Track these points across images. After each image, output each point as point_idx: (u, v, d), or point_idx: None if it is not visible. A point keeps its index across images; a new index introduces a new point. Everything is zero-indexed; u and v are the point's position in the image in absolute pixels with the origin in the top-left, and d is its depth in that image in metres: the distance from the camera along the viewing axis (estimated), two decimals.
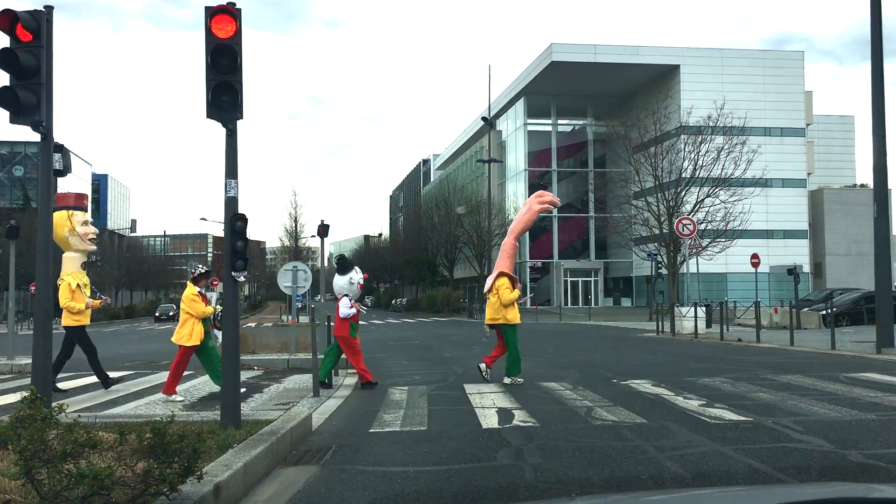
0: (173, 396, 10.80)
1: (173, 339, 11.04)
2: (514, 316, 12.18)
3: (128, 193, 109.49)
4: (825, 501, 1.94)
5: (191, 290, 10.94)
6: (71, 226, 12.20)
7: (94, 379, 14.36)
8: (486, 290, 12.65)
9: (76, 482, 3.59)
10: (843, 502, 1.97)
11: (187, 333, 10.74)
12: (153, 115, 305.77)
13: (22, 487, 3.83)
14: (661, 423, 8.09)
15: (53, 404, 4.29)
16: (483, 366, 12.35)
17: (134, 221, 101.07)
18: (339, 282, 12.30)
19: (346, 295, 12.16)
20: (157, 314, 65.42)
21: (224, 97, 6.98)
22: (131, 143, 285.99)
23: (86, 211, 12.76)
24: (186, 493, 4.46)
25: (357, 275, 12.39)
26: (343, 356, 12.84)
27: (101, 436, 4.41)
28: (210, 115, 7.01)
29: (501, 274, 12.33)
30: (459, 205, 62.33)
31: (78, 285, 11.97)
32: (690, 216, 31.63)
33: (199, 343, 10.75)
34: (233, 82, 7.01)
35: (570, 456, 6.58)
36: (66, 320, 12.15)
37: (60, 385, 12.35)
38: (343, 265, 12.53)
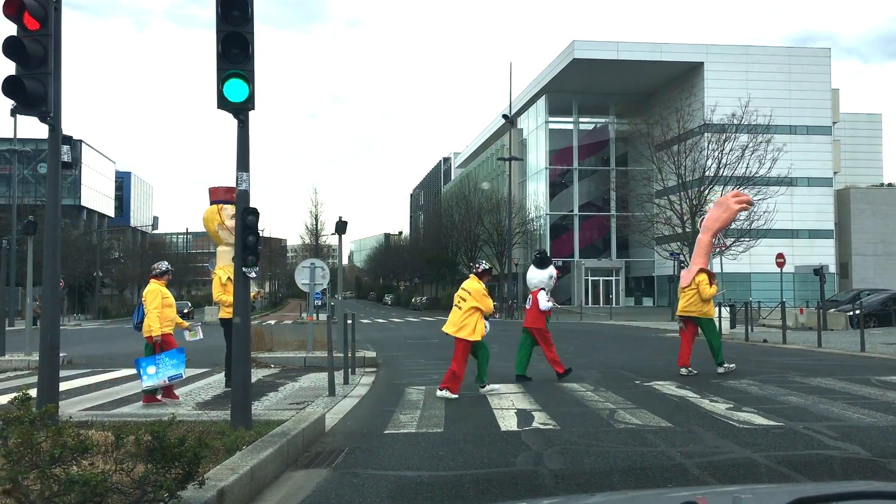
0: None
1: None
2: (709, 310, 13.08)
3: (150, 191, 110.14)
4: (848, 495, 1.81)
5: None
6: (220, 219, 11.95)
7: (107, 376, 14.27)
8: (683, 284, 13.22)
9: (66, 489, 3.37)
10: (865, 495, 1.84)
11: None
12: (175, 113, 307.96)
13: (12, 494, 3.61)
14: (686, 428, 7.78)
15: (44, 406, 4.08)
16: (684, 370, 12.74)
17: (156, 219, 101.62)
18: (538, 276, 12.57)
19: (543, 289, 12.42)
20: None
21: (235, 49, 6.74)
22: (153, 140, 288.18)
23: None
24: (187, 500, 4.23)
25: (554, 270, 12.80)
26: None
27: (97, 438, 4.19)
28: (221, 105, 6.79)
29: (701, 270, 12.94)
30: (484, 182, 61.76)
31: (229, 278, 11.40)
32: None
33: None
34: (244, 33, 6.77)
35: (592, 462, 6.29)
36: (221, 313, 11.82)
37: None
38: (542, 260, 12.86)
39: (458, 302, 10.85)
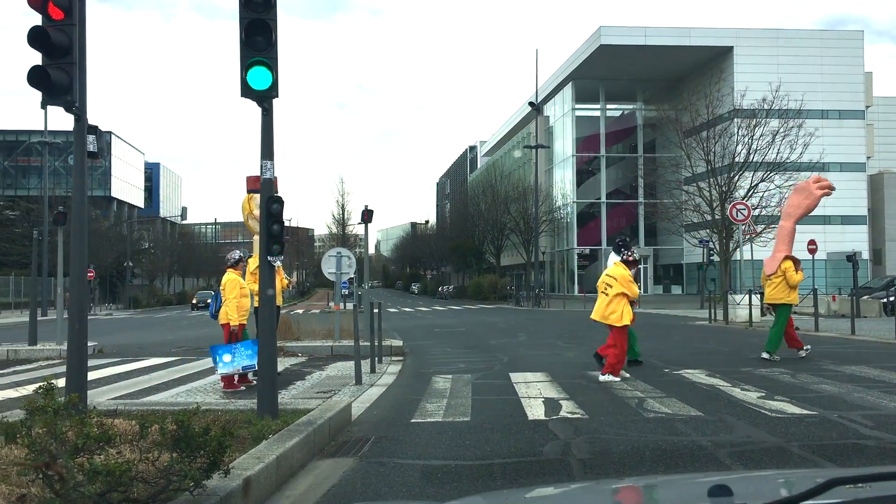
0: None
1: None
2: (795, 296, 13.23)
3: (179, 182, 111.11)
4: (883, 475, 1.77)
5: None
6: (250, 209, 12.06)
7: (137, 365, 14.38)
8: (768, 272, 13.27)
9: (90, 478, 3.35)
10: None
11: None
12: (203, 104, 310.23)
13: (40, 483, 3.61)
14: (717, 417, 7.65)
15: (69, 395, 4.07)
16: (802, 351, 13.13)
17: (185, 209, 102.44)
18: None
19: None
20: (194, 301, 59.14)
21: (258, 37, 6.70)
22: (181, 132, 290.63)
23: None
24: (213, 489, 4.21)
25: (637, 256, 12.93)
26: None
27: (122, 428, 4.18)
28: (244, 93, 6.75)
29: (787, 257, 13.06)
30: (516, 150, 61.21)
31: (258, 267, 11.66)
32: (744, 201, 30.67)
33: None
34: (267, 20, 6.73)
35: (620, 451, 6.20)
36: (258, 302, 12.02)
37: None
38: (623, 246, 12.74)
39: (604, 289, 11.02)
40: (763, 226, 35.61)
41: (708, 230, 38.11)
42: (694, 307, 35.97)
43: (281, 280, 11.55)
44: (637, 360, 12.32)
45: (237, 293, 10.69)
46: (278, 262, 7.15)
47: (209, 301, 44.24)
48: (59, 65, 6.57)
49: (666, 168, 47.22)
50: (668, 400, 8.74)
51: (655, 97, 61.59)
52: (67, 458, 3.35)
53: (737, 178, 36.94)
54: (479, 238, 70.16)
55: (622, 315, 10.79)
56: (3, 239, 51.25)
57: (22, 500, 3.74)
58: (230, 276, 10.90)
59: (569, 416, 7.88)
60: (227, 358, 9.95)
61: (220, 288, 11.01)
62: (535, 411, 8.18)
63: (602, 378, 10.51)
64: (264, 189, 7.09)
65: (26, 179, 71.58)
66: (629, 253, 11.35)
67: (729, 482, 2.19)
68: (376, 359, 12.87)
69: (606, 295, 10.90)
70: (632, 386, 10.05)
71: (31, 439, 3.38)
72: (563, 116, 66.10)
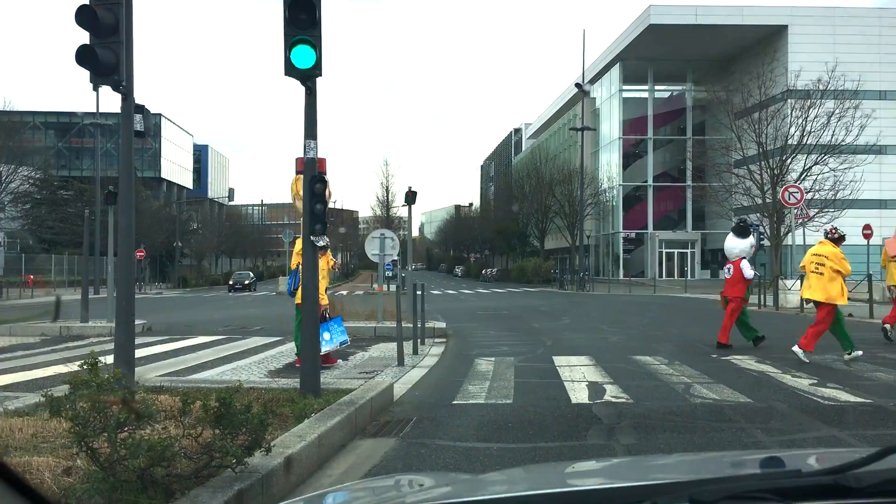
0: None
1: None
2: None
3: (226, 163, 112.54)
4: None
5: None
6: (297, 190, 12.22)
7: (185, 343, 14.60)
8: (893, 253, 13.42)
9: (132, 453, 3.37)
10: None
11: None
12: (250, 86, 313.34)
13: (85, 456, 3.64)
14: (767, 404, 7.46)
15: (113, 371, 4.10)
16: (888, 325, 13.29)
17: (232, 190, 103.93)
18: (739, 245, 12.88)
19: (744, 257, 12.70)
20: (230, 282, 56.41)
21: (302, 15, 6.67)
22: (229, 114, 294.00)
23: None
24: (254, 467, 4.21)
25: (754, 239, 13.31)
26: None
27: (166, 404, 4.20)
28: (288, 72, 6.73)
29: None
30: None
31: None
32: (797, 184, 29.94)
33: None
34: None
35: (667, 437, 6.07)
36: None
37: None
38: (743, 229, 13.23)
39: (816, 268, 10.96)
40: (816, 210, 34.76)
41: (758, 214, 37.34)
42: None
43: (328, 260, 11.61)
44: (759, 337, 12.68)
45: (324, 274, 10.98)
46: (321, 242, 7.13)
47: (247, 282, 44.45)
48: (107, 44, 6.62)
49: (715, 151, 46.33)
50: (716, 386, 8.56)
51: (706, 78, 60.30)
52: (111, 431, 3.37)
53: (789, 160, 36.05)
54: (523, 221, 69.80)
55: (841, 293, 10.81)
56: (57, 219, 52.48)
57: (68, 473, 3.78)
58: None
59: (613, 400, 7.77)
60: (326, 336, 10.34)
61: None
62: (579, 395, 8.08)
63: (796, 349, 10.65)
64: (307, 169, 7.08)
65: (79, 160, 73.13)
66: (837, 231, 11.36)
67: (783, 458, 2.13)
68: (419, 340, 12.87)
69: (821, 274, 10.82)
70: (678, 371, 9.87)
71: (75, 412, 3.42)
72: (609, 98, 65.20)
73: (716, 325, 18.11)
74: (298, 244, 11.77)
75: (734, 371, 9.83)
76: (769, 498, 1.39)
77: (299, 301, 10.76)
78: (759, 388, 8.44)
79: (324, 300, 10.87)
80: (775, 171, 35.67)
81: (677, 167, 62.46)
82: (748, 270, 12.59)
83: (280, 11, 6.75)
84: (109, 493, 3.32)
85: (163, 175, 77.70)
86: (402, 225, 74.98)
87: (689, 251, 61.25)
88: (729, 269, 12.92)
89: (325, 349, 10.37)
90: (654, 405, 7.46)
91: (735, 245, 12.92)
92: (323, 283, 10.94)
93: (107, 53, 6.57)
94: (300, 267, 10.91)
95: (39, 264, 48.52)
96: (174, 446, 3.59)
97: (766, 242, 36.99)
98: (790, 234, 29.30)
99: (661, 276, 56.34)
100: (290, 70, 6.74)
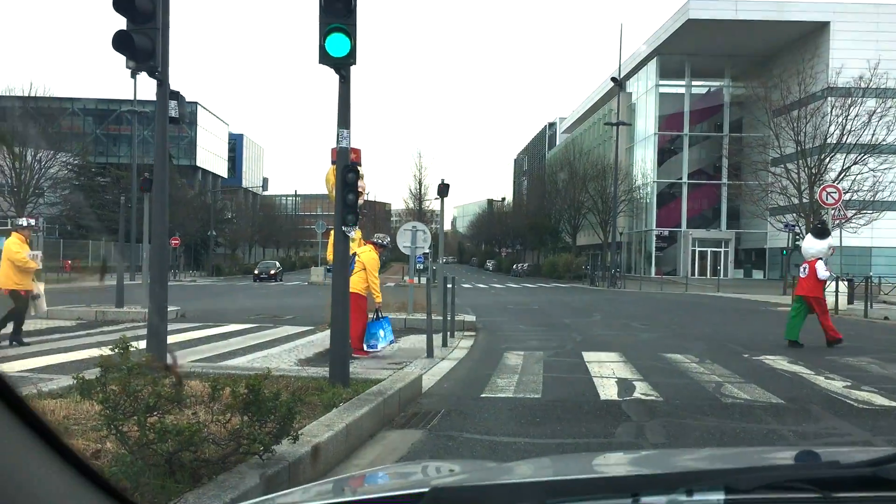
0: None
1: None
2: None
3: (261, 153, 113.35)
4: None
5: None
6: (331, 181, 12.30)
7: (218, 330, 14.74)
8: None
9: (161, 437, 3.39)
10: None
11: None
12: (285, 77, 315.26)
13: (114, 439, 3.68)
14: (800, 405, 7.33)
15: (142, 356, 4.13)
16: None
17: (266, 180, 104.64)
18: (817, 245, 13.10)
19: (821, 258, 12.89)
20: (256, 271, 54.45)
21: (337, 3, 6.67)
22: (264, 103, 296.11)
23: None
24: (281, 454, 4.22)
25: (832, 240, 13.52)
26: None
27: (196, 389, 4.23)
28: (322, 59, 6.74)
29: None
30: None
31: None
32: (835, 184, 29.41)
33: None
34: None
35: (697, 437, 5.99)
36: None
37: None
38: (821, 230, 13.56)
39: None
40: (854, 210, 34.14)
41: (794, 214, 36.76)
42: (776, 293, 34.82)
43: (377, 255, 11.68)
44: (796, 342, 12.56)
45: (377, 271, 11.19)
46: (352, 233, 7.14)
47: (272, 272, 44.59)
48: (143, 30, 6.68)
49: (752, 148, 45.68)
50: (748, 386, 8.44)
51: (744, 74, 59.38)
52: (140, 415, 3.40)
53: (828, 160, 35.46)
54: (556, 216, 69.44)
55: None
56: (94, 205, 53.28)
57: (97, 456, 3.82)
58: (373, 254, 11.26)
59: (643, 397, 7.69)
60: (381, 334, 10.91)
61: (357, 258, 11.11)
62: (608, 391, 8.01)
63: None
64: (340, 158, 7.09)
65: (117, 147, 74.10)
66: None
67: (819, 452, 2.10)
68: (448, 333, 12.86)
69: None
70: (709, 370, 9.75)
71: (106, 395, 3.45)
72: (646, 93, 64.51)
73: (749, 326, 17.91)
74: (357, 234, 11.85)
75: (766, 371, 9.69)
76: (807, 488, 1.34)
77: (352, 290, 10.80)
78: (792, 389, 8.30)
79: (378, 297, 11.08)
80: (813, 171, 35.12)
81: (713, 164, 61.65)
82: (822, 271, 12.75)
83: (312, 1, 6.76)
84: (137, 477, 3.35)
85: (198, 163, 78.47)
86: (434, 218, 75.00)
87: (722, 250, 60.52)
88: (804, 268, 13.05)
89: (379, 346, 10.84)
90: (684, 404, 7.37)
91: (812, 245, 13.15)
92: (377, 280, 11.05)
93: (143, 40, 6.63)
94: (355, 257, 11.02)
95: (77, 250, 49.32)
96: (202, 431, 3.61)
97: (801, 243, 36.43)
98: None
99: (693, 274, 55.75)
100: (325, 58, 6.75)
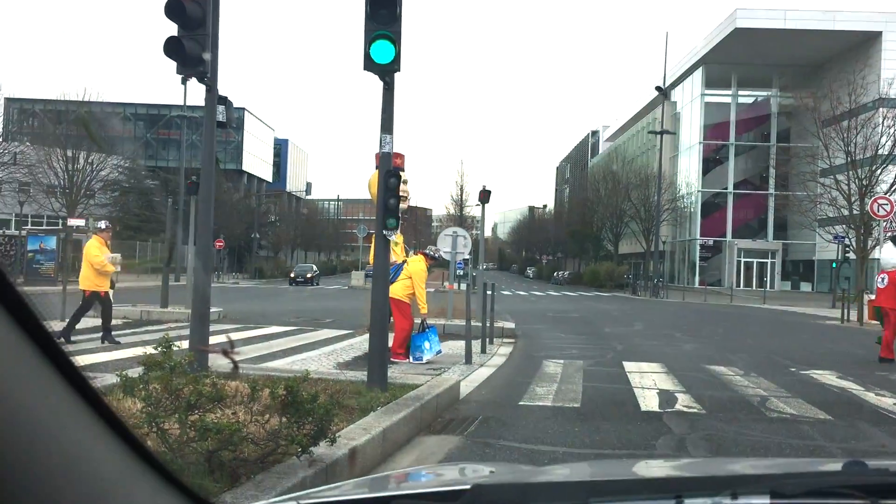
0: None
1: None
2: None
3: (305, 158, 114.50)
4: None
5: None
6: (375, 186, 12.43)
7: (259, 332, 14.90)
8: None
9: (201, 436, 3.43)
10: None
11: None
12: (329, 83, 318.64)
13: (154, 436, 3.72)
14: (848, 422, 7.15)
15: (185, 354, 4.18)
16: None
17: (309, 184, 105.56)
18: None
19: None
20: (292, 275, 53.63)
21: (382, 10, 6.70)
22: (308, 109, 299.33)
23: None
24: (319, 456, 4.23)
25: None
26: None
27: (234, 389, 4.26)
28: (367, 66, 6.77)
29: None
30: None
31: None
32: (887, 196, 28.72)
33: None
34: None
35: (740, 451, 5.87)
36: None
37: None
38: None
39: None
40: None
41: (844, 226, 35.97)
42: (824, 306, 34.10)
43: (397, 256, 11.64)
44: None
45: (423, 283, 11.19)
46: (393, 237, 7.16)
47: (309, 275, 44.67)
48: (193, 36, 6.78)
49: (801, 159, 44.80)
50: (794, 400, 8.25)
51: (792, 84, 58.38)
52: (181, 413, 3.44)
53: (879, 171, 34.64)
54: (598, 224, 68.95)
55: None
56: (143, 207, 54.36)
57: None
58: (422, 266, 11.21)
59: (684, 409, 7.57)
60: (426, 345, 10.94)
61: (408, 274, 11.12)
62: (649, 402, 7.90)
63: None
64: (383, 163, 7.11)
65: (166, 151, 75.51)
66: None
67: (866, 462, 2.05)
68: (487, 340, 12.82)
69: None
70: (754, 383, 9.56)
71: (148, 393, 3.50)
72: (691, 102, 63.77)
73: (796, 339, 17.55)
74: (399, 238, 11.90)
75: (813, 386, 9.47)
76: (855, 494, 1.29)
77: (394, 296, 10.76)
78: (840, 404, 8.10)
79: (424, 310, 11.06)
80: (864, 182, 34.33)
81: (759, 174, 60.67)
82: None
83: (361, 7, 6.80)
84: (177, 475, 3.37)
85: (244, 168, 79.59)
86: (474, 224, 75.00)
87: (769, 261, 59.48)
88: (883, 279, 12.81)
89: (425, 357, 10.84)
90: (727, 417, 7.23)
91: (892, 256, 13.04)
92: (423, 292, 11.02)
93: (193, 46, 6.73)
94: (403, 265, 11.06)
95: (125, 250, 50.21)
96: (242, 431, 3.64)
97: (851, 255, 35.63)
98: (878, 247, 28.12)
99: (738, 285, 54.86)
100: (370, 65, 6.78)
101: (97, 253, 11.68)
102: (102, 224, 12.76)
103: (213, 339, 8.72)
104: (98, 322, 12.15)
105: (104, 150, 45.58)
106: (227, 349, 3.71)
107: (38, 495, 0.82)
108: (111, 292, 12.37)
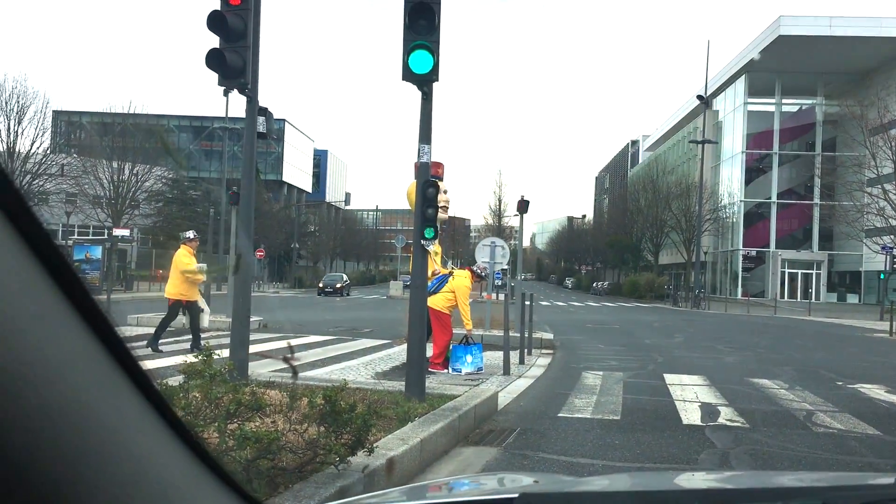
0: None
1: None
2: None
3: (344, 169, 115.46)
4: None
5: None
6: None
7: (299, 341, 14.99)
8: None
9: (240, 444, 3.44)
10: None
11: None
12: (368, 94, 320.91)
13: None
14: None
15: (224, 363, 4.21)
16: None
17: (348, 195, 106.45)
18: None
19: None
20: (320, 285, 51.69)
21: (421, 21, 6.72)
22: (348, 120, 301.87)
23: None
24: (356, 466, 4.23)
25: None
26: None
27: (274, 399, 4.28)
28: (406, 76, 6.80)
29: None
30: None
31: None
32: None
33: None
34: (431, 4, 6.73)
35: (786, 467, 5.73)
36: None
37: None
38: None
39: None
40: None
41: (893, 236, 35.18)
42: (872, 318, 33.29)
43: (436, 266, 11.62)
44: None
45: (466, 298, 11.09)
46: (431, 247, 7.15)
47: (338, 285, 44.76)
48: (235, 48, 6.87)
49: (847, 168, 43.99)
50: (841, 415, 8.04)
51: (838, 92, 57.34)
52: (220, 422, 3.46)
53: None
54: (638, 235, 68.31)
55: None
56: (185, 217, 55.25)
57: None
58: (466, 282, 11.12)
59: (727, 423, 7.42)
60: (468, 359, 10.85)
61: (452, 288, 11.09)
62: (691, 416, 7.77)
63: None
64: (421, 173, 7.12)
65: (209, 162, 76.70)
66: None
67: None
68: (525, 350, 12.74)
69: None
70: (799, 397, 9.35)
71: (188, 401, 3.53)
72: (733, 111, 62.93)
73: (843, 352, 17.14)
74: (438, 248, 11.89)
75: (861, 401, 9.23)
76: None
77: (434, 307, 10.73)
78: (891, 420, 7.87)
79: (469, 325, 11.03)
80: None
81: (804, 184, 59.59)
82: None
83: (399, 18, 6.84)
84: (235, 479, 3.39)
85: (284, 178, 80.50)
86: (513, 234, 74.78)
87: (814, 272, 58.29)
88: None
89: (464, 370, 10.77)
90: (771, 432, 7.07)
91: None
92: (467, 308, 10.96)
93: (234, 57, 6.82)
94: (448, 277, 11.05)
95: (168, 260, 51.12)
96: (280, 440, 3.65)
97: None
98: None
99: (782, 296, 53.85)
100: (408, 75, 6.81)
101: (188, 262, 11.83)
102: (191, 234, 12.79)
103: (252, 349, 8.78)
104: (136, 331, 12.33)
105: (182, 167, 46.35)
106: (286, 356, 3.73)
107: (109, 502, 0.83)
108: (201, 300, 12.51)
